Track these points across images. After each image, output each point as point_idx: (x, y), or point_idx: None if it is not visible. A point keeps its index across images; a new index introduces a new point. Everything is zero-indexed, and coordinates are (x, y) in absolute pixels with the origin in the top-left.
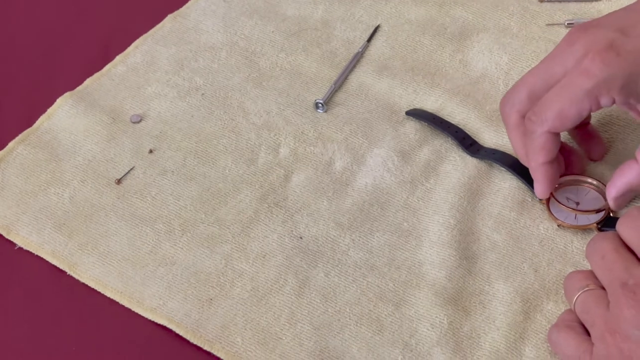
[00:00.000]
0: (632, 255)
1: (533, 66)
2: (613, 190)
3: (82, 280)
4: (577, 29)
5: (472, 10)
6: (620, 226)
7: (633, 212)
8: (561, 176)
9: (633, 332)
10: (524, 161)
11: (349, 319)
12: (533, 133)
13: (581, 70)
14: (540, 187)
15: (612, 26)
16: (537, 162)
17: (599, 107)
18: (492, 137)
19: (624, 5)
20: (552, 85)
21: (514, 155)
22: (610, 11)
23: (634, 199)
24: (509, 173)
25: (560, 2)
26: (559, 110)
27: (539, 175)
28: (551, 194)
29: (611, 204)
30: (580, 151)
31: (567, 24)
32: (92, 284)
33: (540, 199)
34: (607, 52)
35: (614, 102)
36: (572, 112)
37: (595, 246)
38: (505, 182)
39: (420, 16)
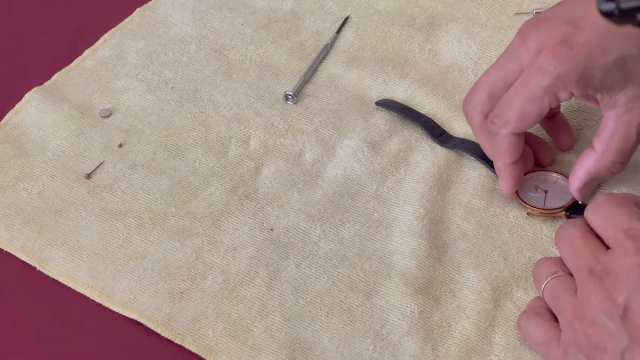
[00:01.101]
0: (600, 242)
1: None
2: (576, 183)
3: (53, 276)
4: (529, 24)
5: (441, 0)
6: (588, 213)
7: (600, 199)
8: (529, 172)
9: (600, 318)
10: (492, 158)
11: (320, 310)
12: (497, 135)
13: (536, 68)
14: (507, 186)
15: (563, 19)
16: (503, 163)
17: (558, 102)
18: (461, 126)
19: None
20: (511, 83)
21: None
22: None
23: (600, 186)
24: (479, 162)
25: None
26: (520, 111)
27: (505, 175)
28: (517, 192)
29: (576, 195)
30: (549, 142)
31: (536, 13)
32: (62, 280)
33: None
34: (561, 47)
35: (572, 96)
36: (533, 111)
37: (563, 233)
38: (475, 172)
39: (389, 7)
